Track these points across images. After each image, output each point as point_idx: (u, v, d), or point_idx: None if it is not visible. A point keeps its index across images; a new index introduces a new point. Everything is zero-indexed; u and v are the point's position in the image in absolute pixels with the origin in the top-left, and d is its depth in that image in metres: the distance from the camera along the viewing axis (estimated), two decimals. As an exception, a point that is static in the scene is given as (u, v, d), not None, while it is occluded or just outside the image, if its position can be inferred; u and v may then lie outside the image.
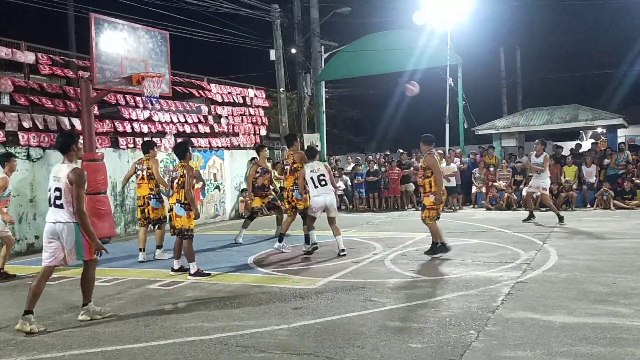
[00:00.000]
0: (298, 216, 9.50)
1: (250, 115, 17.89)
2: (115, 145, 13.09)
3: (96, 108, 12.54)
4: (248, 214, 11.29)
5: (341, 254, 8.64)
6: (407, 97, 18.34)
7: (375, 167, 17.14)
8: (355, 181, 17.39)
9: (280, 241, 9.51)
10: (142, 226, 9.28)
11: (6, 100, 12.45)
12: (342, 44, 21.36)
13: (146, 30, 12.25)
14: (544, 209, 14.52)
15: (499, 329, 4.77)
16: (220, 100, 16.74)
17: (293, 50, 22.40)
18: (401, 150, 18.26)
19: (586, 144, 20.46)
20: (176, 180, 7.66)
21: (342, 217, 14.80)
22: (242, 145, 17.28)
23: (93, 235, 5.47)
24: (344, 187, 17.41)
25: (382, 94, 31.33)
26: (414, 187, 16.76)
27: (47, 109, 12.07)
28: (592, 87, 30.11)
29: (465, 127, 18.35)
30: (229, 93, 17.15)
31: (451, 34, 17.35)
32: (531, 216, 12.28)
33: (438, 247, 8.29)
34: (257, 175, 10.78)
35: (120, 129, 13.39)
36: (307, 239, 9.19)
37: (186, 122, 15.35)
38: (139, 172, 9.26)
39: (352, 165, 18.35)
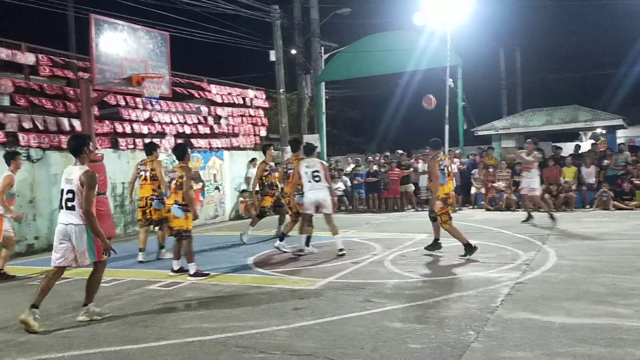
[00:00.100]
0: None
1: (250, 116, 17.90)
2: (115, 146, 13.10)
3: (96, 109, 12.55)
4: (257, 213, 11.24)
5: (340, 254, 8.63)
6: (406, 98, 18.39)
7: (375, 167, 17.15)
8: (355, 182, 17.41)
9: (281, 240, 9.50)
10: (143, 227, 9.29)
11: (6, 101, 12.46)
12: (342, 45, 21.38)
13: (146, 31, 12.27)
14: (543, 210, 14.53)
15: (499, 330, 4.78)
16: (220, 101, 16.75)
17: (293, 51, 22.43)
18: (400, 151, 18.26)
19: (586, 145, 20.45)
20: (174, 181, 7.66)
21: (342, 217, 14.81)
22: (242, 146, 17.29)
23: (102, 236, 5.54)
24: (344, 187, 17.43)
25: (382, 95, 31.36)
26: (413, 188, 16.80)
27: (47, 110, 12.08)
28: (592, 88, 30.13)
29: (465, 128, 18.36)
30: (229, 94, 17.15)
31: (451, 34, 17.36)
32: (530, 217, 12.29)
33: (467, 249, 8.14)
34: (266, 173, 10.72)
35: (120, 130, 13.40)
36: (308, 239, 9.20)
37: (186, 123, 15.36)
38: (142, 173, 9.26)
39: (352, 166, 18.37)
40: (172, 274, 7.76)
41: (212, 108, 16.46)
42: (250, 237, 10.79)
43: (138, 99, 13.73)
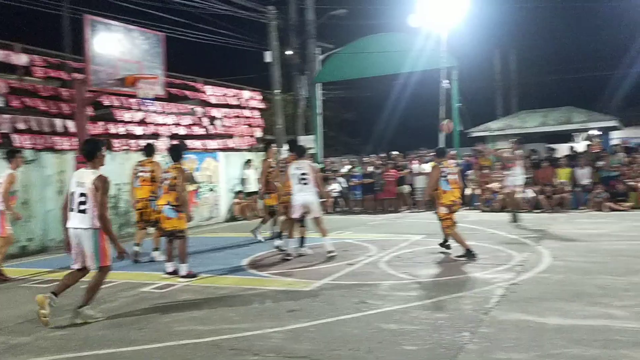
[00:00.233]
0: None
1: (245, 117, 17.88)
2: (108, 147, 13.04)
3: (90, 110, 12.50)
4: (264, 215, 11.19)
5: (329, 255, 8.54)
6: (402, 99, 18.50)
7: (371, 169, 17.15)
8: (351, 183, 17.41)
9: (279, 238, 9.50)
10: (141, 229, 9.27)
11: (0, 102, 12.40)
12: (338, 46, 21.38)
13: (141, 31, 12.23)
14: (538, 211, 14.58)
15: (493, 331, 4.78)
16: (215, 102, 16.72)
17: (289, 52, 22.42)
18: (395, 152, 18.26)
19: (580, 146, 20.52)
20: (167, 182, 7.62)
21: (337, 218, 14.81)
22: (237, 148, 17.26)
23: (116, 240, 5.68)
24: (340, 189, 17.43)
25: (378, 97, 31.34)
26: (409, 189, 16.83)
27: (40, 111, 12.03)
28: (587, 90, 30.20)
29: (461, 129, 18.39)
30: (224, 95, 17.13)
31: (446, 36, 17.39)
32: (516, 217, 12.28)
33: (468, 255, 8.18)
34: (271, 169, 10.51)
35: (114, 131, 13.35)
36: (301, 240, 9.19)
37: (180, 124, 15.32)
38: (141, 174, 9.21)
39: (348, 167, 18.37)
40: (165, 276, 7.73)
41: (207, 109, 16.43)
42: (240, 238, 10.79)
43: (132, 100, 13.70)
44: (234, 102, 17.47)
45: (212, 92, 16.64)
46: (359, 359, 4.30)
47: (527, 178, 15.52)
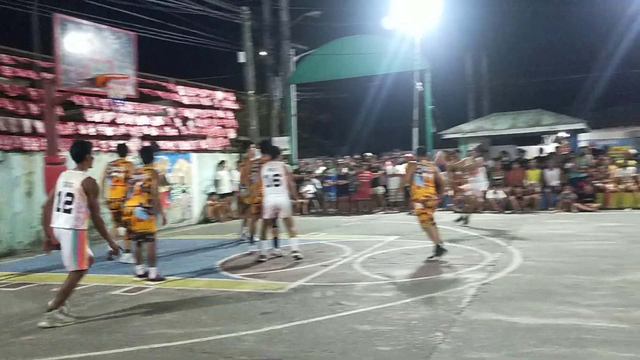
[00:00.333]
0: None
1: (218, 118, 17.74)
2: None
3: (60, 110, 12.25)
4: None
5: (293, 255, 8.51)
6: (376, 101, 18.61)
7: (345, 170, 17.20)
8: (325, 184, 17.42)
9: (252, 243, 9.49)
10: (115, 229, 9.12)
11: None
12: (312, 47, 21.39)
13: (112, 31, 12.05)
14: (508, 212, 14.82)
15: (465, 331, 4.83)
16: (187, 102, 16.56)
17: (263, 53, 22.35)
18: (369, 154, 18.35)
19: (549, 148, 20.91)
20: (139, 183, 7.50)
21: (312, 220, 14.81)
22: (210, 149, 17.12)
23: (110, 239, 5.98)
24: (314, 190, 17.43)
25: (352, 98, 31.48)
26: (383, 191, 16.93)
27: (8, 111, 11.75)
28: (556, 93, 30.82)
29: (434, 131, 18.57)
30: (197, 95, 16.98)
31: (420, 39, 17.54)
32: (465, 219, 12.43)
33: (439, 250, 8.26)
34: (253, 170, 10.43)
35: (84, 131, 13.11)
36: (275, 241, 9.17)
37: (152, 124, 15.13)
38: (115, 174, 9.06)
39: (322, 168, 18.38)
40: (136, 279, 7.61)
41: (179, 109, 16.26)
42: (213, 240, 10.69)
43: (103, 100, 13.48)
44: (207, 102, 17.32)
45: (184, 93, 16.47)
46: (333, 360, 4.30)
47: (498, 179, 15.82)
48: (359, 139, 33.12)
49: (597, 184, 14.82)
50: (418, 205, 8.50)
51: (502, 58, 32.20)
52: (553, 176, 15.51)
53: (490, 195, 15.36)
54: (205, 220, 16.09)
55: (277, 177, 8.61)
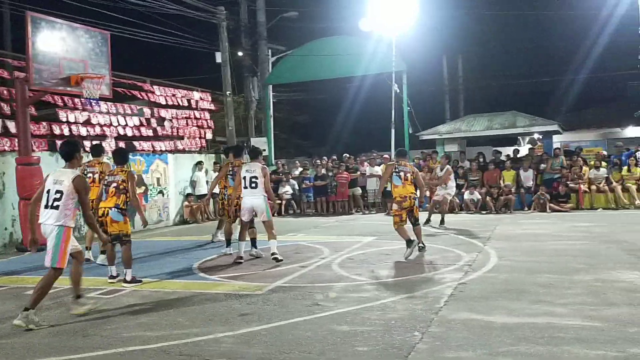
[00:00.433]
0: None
1: (195, 118, 17.60)
2: (52, 148, 12.58)
3: (32, 109, 12.03)
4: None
5: (272, 257, 8.40)
6: (355, 102, 18.68)
7: (323, 171, 17.21)
8: (303, 185, 17.41)
9: (228, 245, 9.50)
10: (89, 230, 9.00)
11: None
12: (289, 48, 21.39)
13: (86, 30, 11.89)
14: (485, 212, 15.00)
15: (443, 330, 4.86)
16: (164, 102, 16.39)
17: (240, 53, 22.25)
18: (347, 155, 18.41)
19: (524, 149, 21.25)
20: (114, 184, 7.40)
21: (290, 221, 14.78)
22: (187, 149, 16.97)
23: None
24: (292, 191, 17.41)
25: (330, 99, 31.55)
26: (360, 192, 16.99)
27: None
28: (530, 95, 31.36)
29: (410, 132, 18.71)
30: (173, 95, 16.82)
31: (396, 41, 17.66)
32: (428, 221, 12.55)
33: (408, 243, 8.41)
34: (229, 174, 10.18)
35: (58, 131, 12.89)
36: (253, 242, 9.13)
37: (127, 124, 14.94)
38: (90, 174, 8.91)
39: (300, 169, 18.36)
40: (110, 281, 7.50)
41: (155, 110, 16.08)
42: (190, 242, 10.60)
43: (77, 100, 13.26)
44: (183, 103, 17.17)
45: (160, 93, 16.30)
46: (312, 361, 4.29)
47: (474, 180, 16.00)
48: (337, 140, 33.23)
49: (571, 185, 15.10)
50: (394, 206, 8.68)
51: (477, 60, 32.66)
52: (528, 177, 15.75)
53: (466, 195, 15.54)
54: (183, 221, 15.95)
55: (254, 179, 8.54)
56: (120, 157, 7.78)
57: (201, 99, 17.94)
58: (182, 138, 16.92)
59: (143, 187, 14.67)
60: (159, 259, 9.61)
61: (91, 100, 12.58)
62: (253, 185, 8.52)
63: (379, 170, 16.84)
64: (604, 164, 15.72)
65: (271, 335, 4.96)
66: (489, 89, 31.81)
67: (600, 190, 14.95)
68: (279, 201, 16.24)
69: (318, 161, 18.22)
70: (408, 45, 19.40)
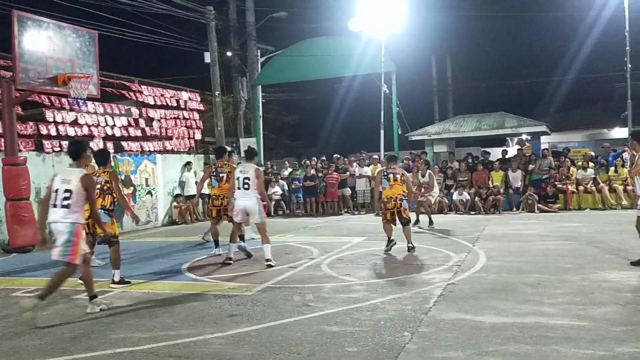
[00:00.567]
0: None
1: (184, 118, 17.52)
2: (39, 148, 12.48)
3: (19, 109, 11.91)
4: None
5: (266, 263, 8.24)
6: (344, 103, 18.70)
7: (312, 172, 17.20)
8: (293, 186, 17.39)
9: (217, 247, 9.52)
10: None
11: None
12: (278, 49, 21.35)
13: (73, 29, 11.80)
14: (473, 212, 15.07)
15: (432, 330, 4.88)
16: (152, 102, 16.30)
17: (229, 54, 22.18)
18: (337, 155, 18.42)
19: (512, 150, 21.37)
20: (98, 186, 7.32)
21: (279, 221, 14.76)
22: (175, 150, 16.89)
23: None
24: (281, 192, 17.38)
25: (319, 100, 31.59)
26: (350, 192, 17.00)
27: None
28: (518, 96, 31.58)
29: (400, 133, 18.76)
30: (162, 95, 16.73)
31: (385, 42, 17.71)
32: (417, 222, 12.59)
33: (388, 242, 9.13)
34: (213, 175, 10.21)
35: (45, 131, 12.77)
36: (241, 237, 9.11)
37: (115, 125, 14.84)
38: None
39: (289, 170, 18.34)
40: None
41: (143, 110, 15.99)
42: (180, 243, 10.55)
43: (64, 100, 13.15)
44: (172, 103, 17.09)
45: (149, 93, 16.21)
46: (301, 362, 4.28)
47: (463, 181, 16.07)
48: (326, 140, 33.26)
49: (559, 186, 15.21)
50: (382, 206, 9.20)
51: (466, 61, 32.83)
52: (516, 178, 15.85)
53: (455, 196, 15.60)
54: (171, 222, 15.87)
55: (246, 180, 8.46)
56: (102, 158, 7.73)
57: (190, 99, 17.86)
58: (170, 138, 16.84)
59: (131, 188, 14.58)
60: (148, 260, 9.56)
61: (79, 100, 12.47)
62: (246, 186, 8.45)
63: (368, 170, 16.87)
64: (591, 164, 15.86)
65: (261, 336, 4.94)
66: (477, 89, 32.02)
67: (587, 190, 15.08)
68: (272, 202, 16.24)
69: (307, 162, 18.21)
70: (397, 46, 19.49)
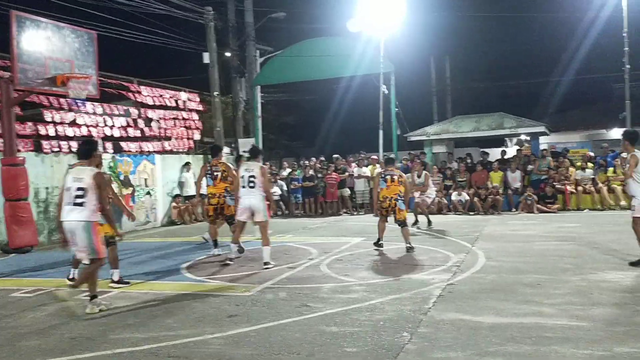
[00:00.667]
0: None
1: (183, 119, 17.51)
2: (38, 149, 12.46)
3: (18, 109, 11.90)
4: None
5: (264, 266, 8.13)
6: (343, 103, 18.70)
7: (311, 172, 17.20)
8: (292, 186, 17.39)
9: (216, 247, 9.52)
10: None
11: None
12: (277, 49, 21.33)
13: (72, 29, 11.80)
14: (472, 213, 15.08)
15: (431, 331, 4.88)
16: (151, 103, 16.28)
17: (228, 54, 22.16)
18: (337, 156, 18.42)
19: (511, 151, 21.39)
20: None
21: (278, 222, 14.75)
22: (174, 150, 16.88)
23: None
24: (280, 192, 17.38)
25: (318, 100, 31.57)
26: (349, 192, 17.00)
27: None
28: (517, 97, 31.58)
29: (399, 133, 18.76)
30: (161, 96, 16.71)
31: (384, 42, 17.71)
32: (416, 222, 12.63)
33: (376, 242, 9.47)
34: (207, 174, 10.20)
35: (44, 132, 12.76)
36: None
37: (114, 125, 14.83)
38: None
39: (288, 170, 18.34)
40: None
41: (142, 110, 15.98)
42: (178, 243, 10.54)
43: (63, 100, 13.14)
44: (171, 103, 17.07)
45: (148, 93, 16.19)
46: (301, 362, 4.29)
47: (462, 181, 16.08)
48: (325, 140, 33.25)
49: (558, 186, 15.22)
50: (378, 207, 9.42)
51: (465, 62, 32.83)
52: (515, 178, 15.86)
53: (454, 196, 15.61)
54: (171, 222, 15.86)
55: (252, 178, 8.40)
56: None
57: (189, 99, 17.84)
58: (169, 139, 16.82)
59: (130, 188, 14.58)
60: (147, 260, 9.55)
61: (77, 101, 12.46)
62: (251, 184, 8.41)
63: (366, 171, 16.88)
64: (590, 165, 15.87)
65: (260, 336, 4.94)
66: (476, 90, 32.02)
67: (586, 191, 15.09)
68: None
69: (306, 162, 18.21)
70: (396, 47, 19.45)
